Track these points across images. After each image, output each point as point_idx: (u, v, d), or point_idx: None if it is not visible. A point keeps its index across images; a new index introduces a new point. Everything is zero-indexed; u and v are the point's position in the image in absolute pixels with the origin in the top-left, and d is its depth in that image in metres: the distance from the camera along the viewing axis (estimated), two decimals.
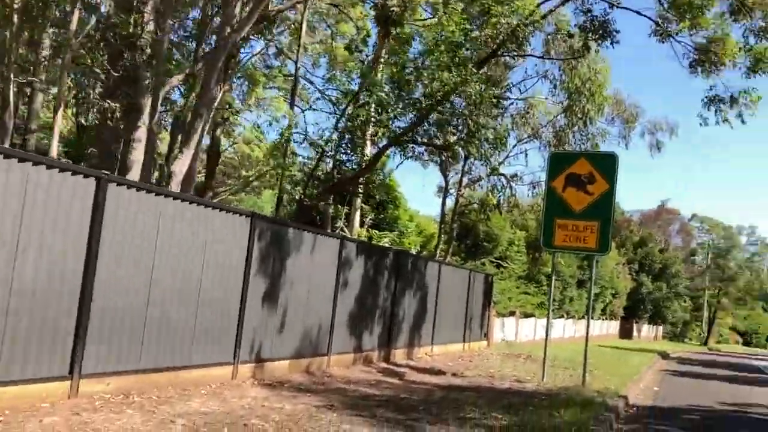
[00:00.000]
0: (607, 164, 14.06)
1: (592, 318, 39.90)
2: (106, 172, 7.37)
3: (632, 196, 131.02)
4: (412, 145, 14.44)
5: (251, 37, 18.78)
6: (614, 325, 50.16)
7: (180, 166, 11.78)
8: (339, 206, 25.99)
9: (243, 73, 20.28)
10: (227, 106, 20.19)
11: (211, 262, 8.87)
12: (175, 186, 11.60)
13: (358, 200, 22.46)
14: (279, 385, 9.90)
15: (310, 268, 11.30)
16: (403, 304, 15.02)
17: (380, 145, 15.19)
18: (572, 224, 13.90)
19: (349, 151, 14.68)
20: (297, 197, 14.79)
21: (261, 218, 10.14)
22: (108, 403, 7.12)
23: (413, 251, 24.23)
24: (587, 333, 14.88)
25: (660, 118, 30.81)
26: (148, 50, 12.36)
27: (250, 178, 25.68)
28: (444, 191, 24.89)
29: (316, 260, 11.46)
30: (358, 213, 22.96)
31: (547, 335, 15.12)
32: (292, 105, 22.49)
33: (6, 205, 6.08)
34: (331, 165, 15.07)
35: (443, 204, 24.53)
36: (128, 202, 7.45)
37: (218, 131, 23.00)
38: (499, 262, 29.40)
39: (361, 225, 26.28)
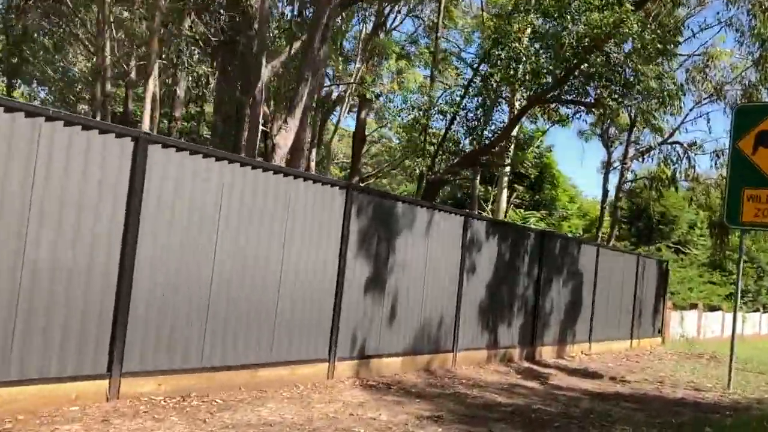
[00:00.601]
0: None
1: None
2: (146, 131, 6.19)
3: None
4: (556, 105, 12.15)
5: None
6: None
7: (285, 139, 10.61)
8: (488, 186, 24.00)
9: (377, 44, 18.94)
10: (362, 82, 19.00)
11: (296, 241, 7.49)
12: (279, 159, 10.46)
13: (505, 179, 20.29)
14: (384, 387, 8.33)
15: (427, 250, 9.59)
16: (549, 293, 12.80)
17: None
18: (766, 195, 10.88)
19: (482, 117, 12.67)
20: (420, 171, 13.11)
21: (359, 190, 8.62)
22: (154, 408, 5.96)
23: (571, 234, 21.57)
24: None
25: None
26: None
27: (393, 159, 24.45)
28: (606, 165, 21.90)
29: (435, 240, 9.73)
30: (504, 192, 20.78)
31: (733, 332, 12.12)
32: (432, 78, 20.84)
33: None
34: (462, 134, 13.20)
35: (605, 180, 21.60)
36: (177, 167, 6.24)
37: (363, 113, 22.02)
38: (678, 247, 25.64)
39: (515, 206, 24.06)
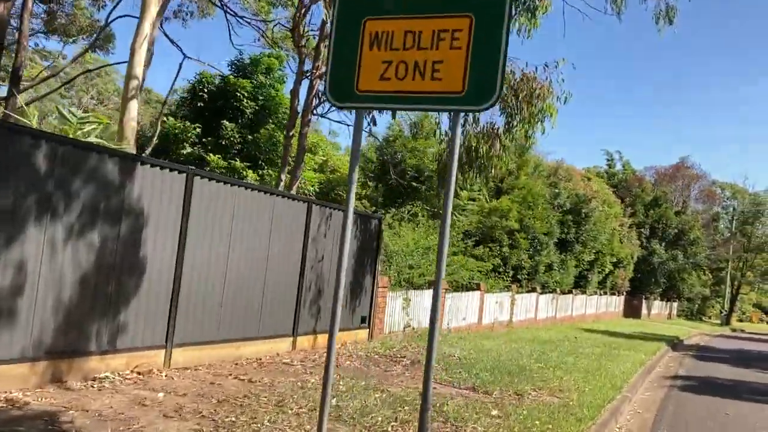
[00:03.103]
0: None
1: (584, 292, 31.01)
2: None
3: (647, 152, 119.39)
4: None
5: None
6: (617, 302, 41.24)
7: None
8: None
9: None
10: None
11: None
12: None
13: None
14: None
15: None
16: (57, 261, 6.39)
17: None
18: (404, 30, 4.99)
19: None
20: None
21: None
22: None
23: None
24: (432, 325, 5.80)
25: None
26: None
27: None
28: (298, 76, 15.61)
29: None
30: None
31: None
32: None
33: None
34: None
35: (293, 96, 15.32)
36: None
37: None
38: (439, 211, 20.58)
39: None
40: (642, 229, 45.44)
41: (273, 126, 18.56)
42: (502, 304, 20.19)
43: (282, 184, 15.32)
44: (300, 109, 15.62)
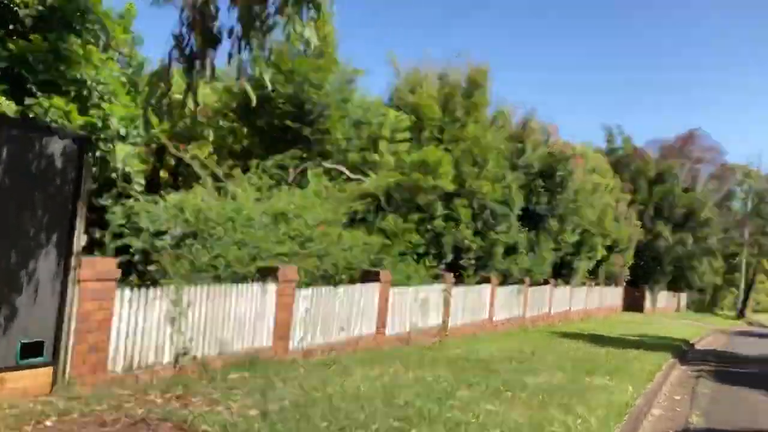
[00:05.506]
0: None
1: (568, 283, 24.36)
2: None
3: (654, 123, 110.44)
4: None
5: None
6: (615, 294, 34.58)
7: None
8: None
9: None
10: None
11: None
12: None
13: None
14: None
15: None
16: None
17: None
18: None
19: None
20: None
21: None
22: None
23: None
24: None
25: None
26: None
27: None
28: None
29: None
30: None
31: None
32: None
33: None
34: None
35: None
36: None
37: None
38: (340, 168, 14.11)
39: None
40: (645, 208, 38.66)
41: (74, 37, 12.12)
42: (427, 301, 13.65)
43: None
44: None
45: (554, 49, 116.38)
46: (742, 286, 54.72)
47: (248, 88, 7.15)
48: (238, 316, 9.10)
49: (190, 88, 6.31)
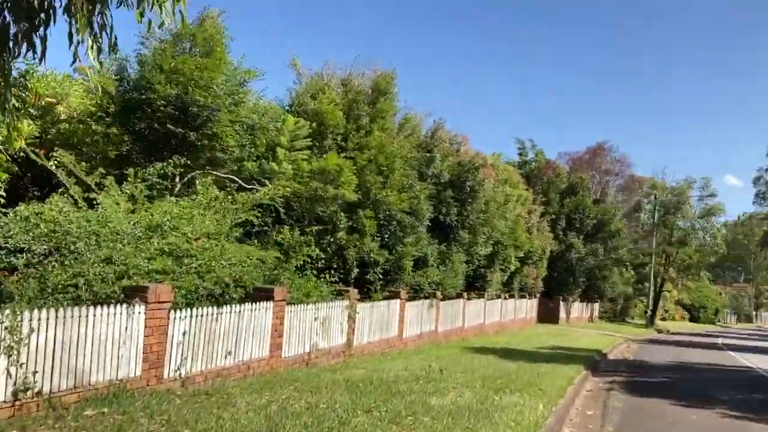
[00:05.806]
0: None
1: (482, 296, 23.97)
2: None
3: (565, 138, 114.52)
4: None
5: None
6: (530, 306, 34.68)
7: None
8: None
9: None
10: None
11: None
12: None
13: None
14: None
15: None
16: None
17: None
18: None
19: None
20: None
21: None
22: None
23: None
24: None
25: None
26: None
27: None
28: None
29: None
30: None
31: None
32: None
33: None
34: None
35: None
36: None
37: None
38: (232, 179, 13.03)
39: None
40: (557, 219, 39.17)
41: None
42: (329, 320, 12.69)
43: None
44: None
45: (466, 66, 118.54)
46: (651, 295, 56.50)
47: (90, 74, 6.04)
48: (97, 344, 7.88)
49: (3, 73, 5.14)
